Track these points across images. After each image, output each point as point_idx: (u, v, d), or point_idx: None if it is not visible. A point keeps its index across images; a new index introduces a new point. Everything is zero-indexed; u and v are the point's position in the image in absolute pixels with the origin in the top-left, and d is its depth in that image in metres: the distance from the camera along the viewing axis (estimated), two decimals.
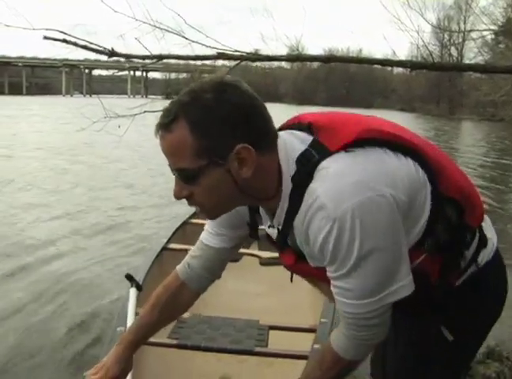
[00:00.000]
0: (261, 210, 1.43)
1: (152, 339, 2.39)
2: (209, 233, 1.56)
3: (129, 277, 2.70)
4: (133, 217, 7.70)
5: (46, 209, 7.98)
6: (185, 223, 4.01)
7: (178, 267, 1.64)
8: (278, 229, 1.37)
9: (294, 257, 1.38)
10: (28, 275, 5.23)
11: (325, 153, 1.24)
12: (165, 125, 1.22)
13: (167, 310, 1.65)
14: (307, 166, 1.24)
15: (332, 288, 1.32)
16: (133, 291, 2.62)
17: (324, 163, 1.22)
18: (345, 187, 1.18)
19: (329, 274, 1.29)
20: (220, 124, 1.20)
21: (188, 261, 1.62)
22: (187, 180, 1.25)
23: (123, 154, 14.55)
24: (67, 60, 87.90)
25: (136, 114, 4.21)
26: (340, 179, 1.19)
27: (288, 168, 1.26)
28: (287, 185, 1.26)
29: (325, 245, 1.22)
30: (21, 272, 5.32)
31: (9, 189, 9.51)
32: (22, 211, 7.81)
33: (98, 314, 4.16)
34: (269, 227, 1.42)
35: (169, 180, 1.33)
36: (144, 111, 4.28)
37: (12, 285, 4.87)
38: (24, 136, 19.32)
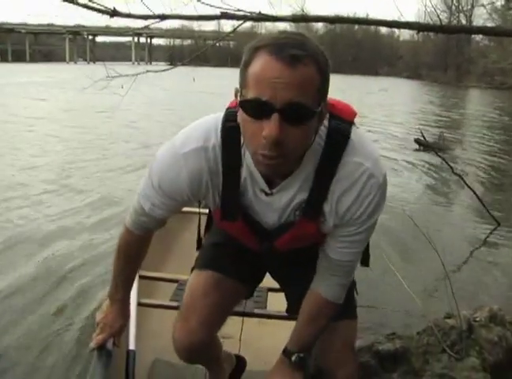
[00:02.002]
0: (249, 177, 1.39)
1: (155, 302, 2.45)
2: (155, 206, 1.49)
3: None
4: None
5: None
6: None
7: (131, 227, 1.61)
8: (310, 195, 1.38)
9: (316, 223, 1.43)
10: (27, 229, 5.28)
11: (349, 126, 1.37)
12: (300, 57, 1.15)
13: (139, 261, 1.76)
14: (340, 137, 1.33)
15: (341, 244, 1.46)
16: None
17: (353, 137, 1.35)
18: (379, 160, 1.38)
19: (347, 231, 1.43)
20: (329, 77, 1.25)
21: (138, 223, 1.58)
22: (298, 119, 1.17)
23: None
24: (70, 26, 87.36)
25: (138, 74, 4.17)
26: (374, 153, 1.37)
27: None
28: (314, 147, 1.32)
29: (368, 207, 1.37)
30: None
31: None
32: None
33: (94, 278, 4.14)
34: (261, 191, 1.39)
35: None
36: (147, 71, 4.24)
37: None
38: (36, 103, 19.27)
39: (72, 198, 6.47)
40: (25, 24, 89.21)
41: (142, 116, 15.74)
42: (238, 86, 1.24)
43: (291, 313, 1.87)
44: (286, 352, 1.66)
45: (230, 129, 1.34)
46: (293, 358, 1.64)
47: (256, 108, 1.16)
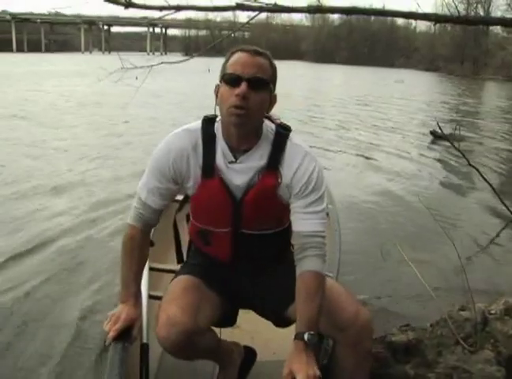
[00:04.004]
0: (220, 151, 1.89)
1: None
2: (149, 192, 1.92)
3: None
4: None
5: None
6: None
7: (132, 221, 1.97)
8: (269, 159, 1.88)
9: (275, 178, 1.88)
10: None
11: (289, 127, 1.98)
12: (260, 52, 1.83)
13: (145, 255, 2.03)
14: (286, 130, 1.94)
15: (304, 216, 1.86)
16: None
17: (291, 132, 1.94)
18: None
19: (304, 202, 1.86)
20: (276, 76, 1.90)
21: (137, 216, 1.96)
22: (258, 86, 1.79)
23: None
24: (86, 16, 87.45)
25: (153, 65, 4.14)
26: (306, 145, 1.95)
27: (267, 127, 1.92)
28: (267, 135, 1.90)
29: (311, 176, 1.86)
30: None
31: None
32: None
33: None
34: (229, 162, 1.89)
35: None
36: (162, 62, 4.21)
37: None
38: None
39: None
40: (41, 14, 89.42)
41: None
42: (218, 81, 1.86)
43: (281, 325, 2.09)
44: (298, 336, 1.75)
45: (207, 120, 1.95)
46: (306, 337, 1.72)
47: (232, 79, 1.79)
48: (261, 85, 1.81)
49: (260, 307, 2.11)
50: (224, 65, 1.86)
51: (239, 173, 1.89)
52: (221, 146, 1.90)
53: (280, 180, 1.88)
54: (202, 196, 1.93)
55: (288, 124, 1.99)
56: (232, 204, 1.91)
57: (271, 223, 1.99)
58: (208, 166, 1.90)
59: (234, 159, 1.89)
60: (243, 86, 1.76)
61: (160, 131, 10.20)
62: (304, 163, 1.87)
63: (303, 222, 1.86)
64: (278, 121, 2.00)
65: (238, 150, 1.89)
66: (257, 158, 1.89)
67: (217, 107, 1.87)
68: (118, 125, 12.32)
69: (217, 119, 1.92)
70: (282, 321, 2.04)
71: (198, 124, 1.95)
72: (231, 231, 1.96)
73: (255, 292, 2.06)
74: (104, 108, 15.53)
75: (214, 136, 1.91)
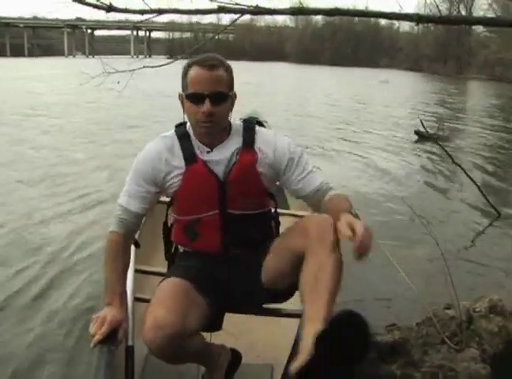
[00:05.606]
0: (196, 146, 2.06)
1: (151, 297, 2.45)
2: (131, 197, 2.06)
3: None
4: None
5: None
6: None
7: (115, 228, 2.08)
8: (243, 140, 2.08)
9: (253, 154, 2.05)
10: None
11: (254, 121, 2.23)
12: (215, 65, 1.96)
13: (127, 259, 2.13)
14: (252, 122, 2.17)
15: (308, 177, 2.08)
16: (132, 249, 2.62)
17: (256, 125, 2.18)
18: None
19: (300, 169, 2.08)
20: (232, 78, 2.06)
21: (120, 222, 2.08)
22: (219, 100, 1.96)
23: None
24: (69, 20, 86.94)
25: (135, 70, 4.15)
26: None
27: (235, 122, 2.13)
28: (237, 129, 2.10)
29: (290, 148, 2.09)
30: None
31: None
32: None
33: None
34: (207, 152, 2.05)
35: None
36: (144, 66, 4.22)
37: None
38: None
39: None
40: (23, 18, 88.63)
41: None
42: (181, 90, 2.03)
43: (266, 312, 2.15)
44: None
45: (180, 126, 2.14)
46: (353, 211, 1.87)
47: (195, 97, 1.96)
48: (223, 98, 1.98)
49: (248, 302, 2.13)
50: (183, 78, 2.01)
51: (218, 157, 2.05)
52: (196, 143, 2.07)
53: (256, 156, 2.06)
54: (189, 181, 2.05)
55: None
56: (217, 183, 2.03)
57: (254, 202, 2.10)
58: (190, 155, 2.06)
59: (210, 150, 2.06)
60: (207, 104, 1.94)
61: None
62: (279, 141, 2.10)
63: (310, 181, 2.08)
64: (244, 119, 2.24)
65: (211, 145, 2.06)
66: (232, 144, 2.07)
67: (185, 115, 2.04)
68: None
69: (188, 124, 2.10)
70: (269, 298, 2.13)
71: (172, 131, 2.14)
72: (218, 213, 2.06)
73: (246, 284, 2.07)
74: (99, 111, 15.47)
75: (188, 134, 2.09)
